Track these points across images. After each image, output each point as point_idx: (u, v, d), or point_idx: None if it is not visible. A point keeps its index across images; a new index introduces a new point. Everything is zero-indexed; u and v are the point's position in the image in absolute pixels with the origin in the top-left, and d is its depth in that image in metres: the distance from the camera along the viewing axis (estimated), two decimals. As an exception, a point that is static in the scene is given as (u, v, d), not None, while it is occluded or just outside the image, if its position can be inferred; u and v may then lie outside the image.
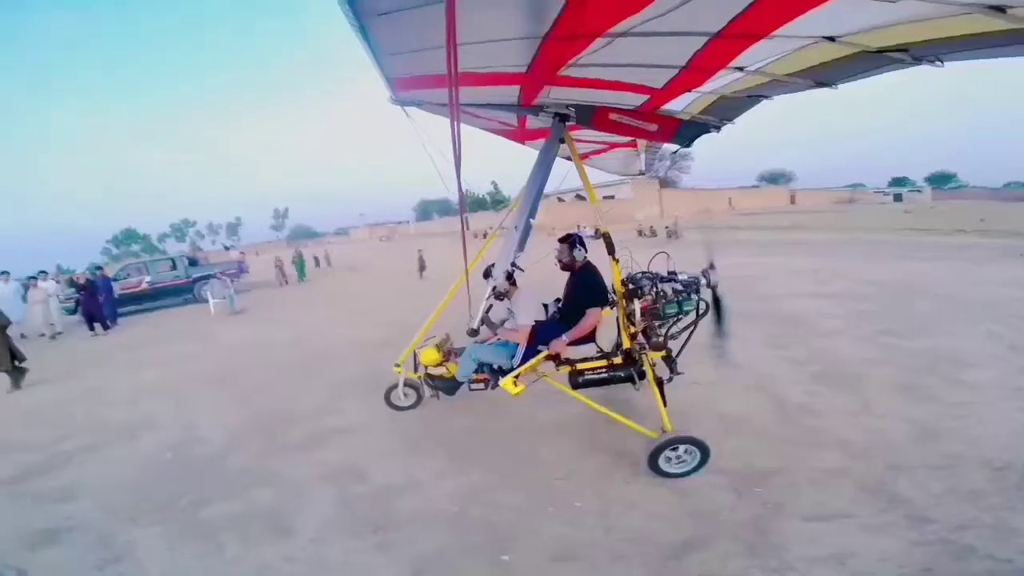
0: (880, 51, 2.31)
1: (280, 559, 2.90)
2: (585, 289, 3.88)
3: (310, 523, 3.21)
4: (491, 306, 3.99)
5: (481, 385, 4.05)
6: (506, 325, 4.21)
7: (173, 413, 5.52)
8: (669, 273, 3.72)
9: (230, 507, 3.47)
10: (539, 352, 3.79)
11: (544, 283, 4.53)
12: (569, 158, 4.37)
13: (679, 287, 3.52)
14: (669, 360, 3.71)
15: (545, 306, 4.37)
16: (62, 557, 3.14)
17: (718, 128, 4.20)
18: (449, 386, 4.36)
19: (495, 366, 4.00)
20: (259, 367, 7.16)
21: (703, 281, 3.59)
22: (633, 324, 3.63)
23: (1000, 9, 1.70)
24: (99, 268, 14.72)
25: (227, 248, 29.75)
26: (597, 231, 4.04)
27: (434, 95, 3.39)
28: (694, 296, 3.50)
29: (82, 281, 12.93)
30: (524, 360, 3.80)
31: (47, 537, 3.35)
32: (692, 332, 3.64)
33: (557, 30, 2.25)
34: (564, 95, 3.59)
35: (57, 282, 13.95)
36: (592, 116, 3.96)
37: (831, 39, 2.27)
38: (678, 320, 3.58)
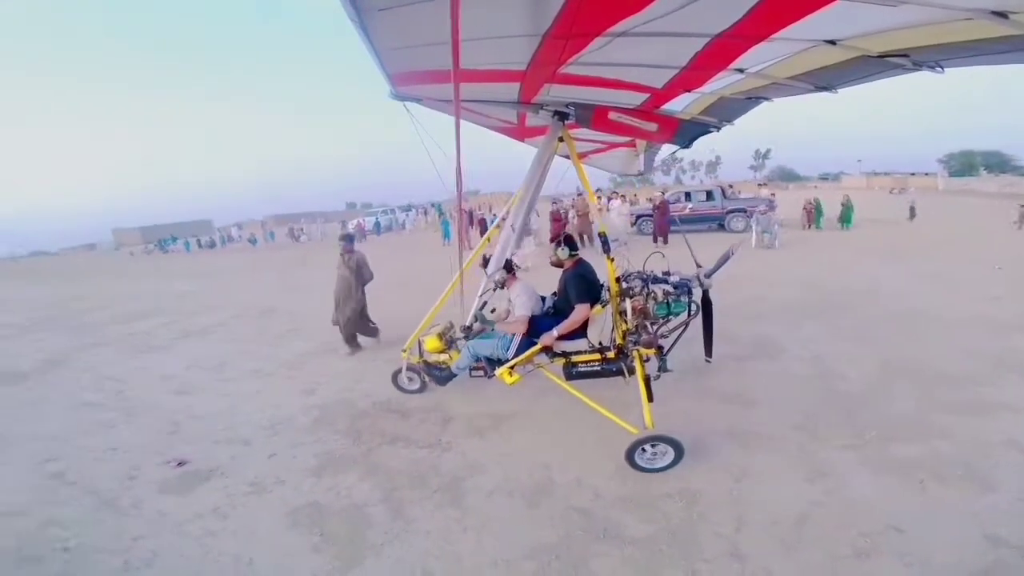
0: (881, 56, 2.31)
1: (990, 510, 2.94)
2: (576, 285, 3.98)
3: (1012, 483, 3.17)
4: (485, 303, 4.35)
5: (480, 373, 4.23)
6: (508, 318, 4.35)
7: (787, 333, 6.12)
8: (663, 274, 3.82)
9: (914, 449, 3.61)
10: (534, 344, 3.97)
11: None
12: (568, 156, 4.44)
13: (669, 289, 3.63)
14: (660, 357, 3.73)
15: (543, 298, 4.49)
16: (768, 463, 3.51)
17: (718, 128, 4.26)
18: (443, 376, 4.58)
19: (492, 357, 4.20)
20: (857, 306, 7.25)
21: (695, 284, 3.66)
22: (625, 321, 3.74)
23: (1002, 15, 1.66)
24: (663, 192, 18.69)
25: (761, 185, 31.90)
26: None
27: (435, 91, 3.39)
28: (684, 298, 3.61)
29: (657, 202, 16.07)
30: (519, 352, 4.02)
31: (751, 441, 3.80)
32: (683, 331, 3.75)
33: (557, 28, 2.25)
34: (564, 93, 3.62)
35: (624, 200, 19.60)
36: (591, 115, 3.99)
37: (832, 42, 2.27)
38: (668, 320, 3.68)
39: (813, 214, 17.82)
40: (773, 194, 20.09)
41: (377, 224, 31.96)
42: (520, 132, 5.36)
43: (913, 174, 51.56)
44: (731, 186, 21.23)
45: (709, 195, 17.67)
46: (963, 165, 55.26)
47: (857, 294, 7.97)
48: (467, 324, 4.42)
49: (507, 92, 3.60)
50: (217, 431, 4.42)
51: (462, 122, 2.20)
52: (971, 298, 7.39)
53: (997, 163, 53.78)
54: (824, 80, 2.80)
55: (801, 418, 4.05)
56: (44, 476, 3.82)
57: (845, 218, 17.43)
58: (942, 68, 2.27)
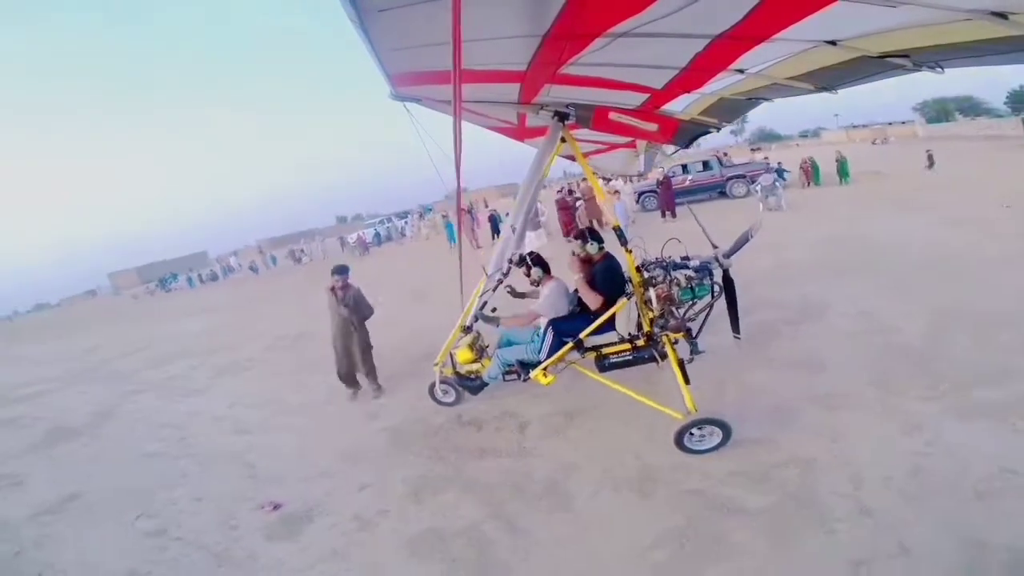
0: (881, 56, 2.32)
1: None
2: (603, 280, 4.04)
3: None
4: (485, 303, 4.45)
5: (514, 376, 4.32)
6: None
7: (827, 293, 6.16)
8: (682, 259, 3.90)
9: (996, 393, 3.58)
10: (564, 343, 4.04)
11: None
12: (571, 157, 4.49)
13: (691, 273, 3.68)
14: (690, 340, 3.79)
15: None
16: (859, 422, 3.56)
17: (717, 128, 4.32)
18: (474, 386, 4.69)
19: (524, 360, 4.28)
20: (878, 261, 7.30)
21: (714, 265, 3.71)
22: (651, 309, 3.77)
23: (1002, 15, 1.68)
24: (660, 167, 18.68)
25: (754, 149, 31.03)
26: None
27: (435, 91, 3.37)
28: (706, 281, 3.68)
29: (661, 177, 16.38)
30: (551, 352, 4.07)
31: (833, 402, 3.84)
32: (709, 313, 3.81)
33: (557, 29, 2.24)
34: (564, 93, 3.62)
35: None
36: (591, 115, 3.99)
37: (832, 43, 2.28)
38: (694, 304, 3.77)
39: (811, 172, 17.99)
40: (767, 157, 20.15)
41: (377, 235, 32.10)
42: (520, 132, 5.35)
43: (891, 123, 52.33)
44: (726, 154, 21.30)
45: (706, 165, 17.80)
46: (938, 112, 56.41)
47: (881, 247, 8.03)
48: (467, 325, 4.46)
49: (507, 93, 3.60)
50: (295, 468, 4.41)
51: (462, 122, 2.22)
52: (990, 238, 7.46)
53: (970, 107, 54.94)
54: (824, 80, 2.83)
55: (872, 375, 4.11)
56: (143, 534, 3.82)
57: (842, 172, 17.57)
58: (942, 68, 2.28)
